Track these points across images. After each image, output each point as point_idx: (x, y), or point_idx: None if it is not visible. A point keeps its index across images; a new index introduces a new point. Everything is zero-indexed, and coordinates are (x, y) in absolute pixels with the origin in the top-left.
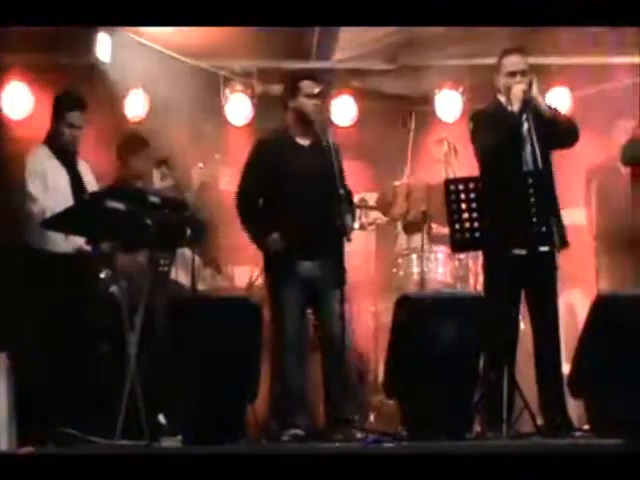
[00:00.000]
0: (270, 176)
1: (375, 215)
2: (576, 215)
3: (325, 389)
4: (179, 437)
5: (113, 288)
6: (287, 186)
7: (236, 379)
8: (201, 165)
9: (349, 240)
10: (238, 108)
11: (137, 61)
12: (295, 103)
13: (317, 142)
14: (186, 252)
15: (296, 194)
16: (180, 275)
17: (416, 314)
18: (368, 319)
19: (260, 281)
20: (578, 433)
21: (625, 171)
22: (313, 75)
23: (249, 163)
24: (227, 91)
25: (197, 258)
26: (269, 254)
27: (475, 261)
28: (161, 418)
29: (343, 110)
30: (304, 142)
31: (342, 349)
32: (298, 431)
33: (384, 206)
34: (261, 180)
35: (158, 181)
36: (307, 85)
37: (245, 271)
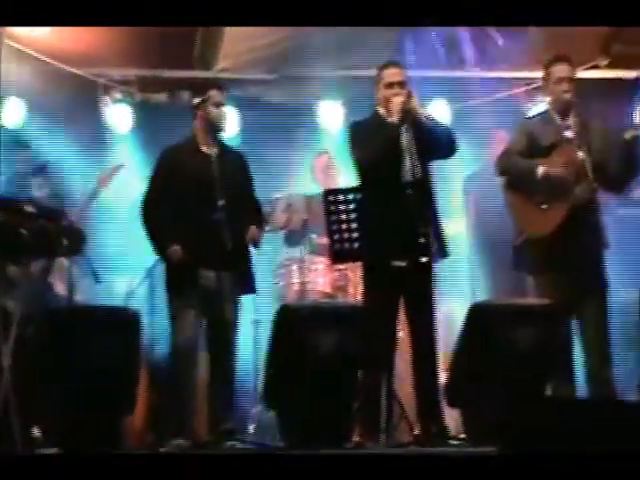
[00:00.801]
0: (175, 184)
1: None
2: (456, 225)
3: (210, 400)
4: (54, 450)
5: None
6: (191, 195)
7: (113, 390)
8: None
9: (257, 248)
10: (119, 115)
11: (12, 67)
12: (204, 112)
13: (223, 151)
14: (64, 262)
15: (200, 203)
16: (57, 285)
17: (295, 324)
18: (248, 329)
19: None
20: (454, 442)
21: (499, 181)
22: (220, 84)
23: (154, 172)
24: (108, 98)
25: (74, 268)
26: (170, 264)
27: (355, 271)
28: (35, 431)
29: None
30: (210, 151)
31: (230, 360)
32: (182, 441)
33: (265, 216)
34: (166, 189)
35: (36, 190)
36: (216, 94)
37: (125, 280)
